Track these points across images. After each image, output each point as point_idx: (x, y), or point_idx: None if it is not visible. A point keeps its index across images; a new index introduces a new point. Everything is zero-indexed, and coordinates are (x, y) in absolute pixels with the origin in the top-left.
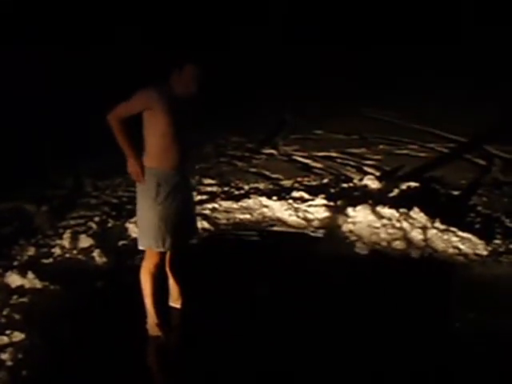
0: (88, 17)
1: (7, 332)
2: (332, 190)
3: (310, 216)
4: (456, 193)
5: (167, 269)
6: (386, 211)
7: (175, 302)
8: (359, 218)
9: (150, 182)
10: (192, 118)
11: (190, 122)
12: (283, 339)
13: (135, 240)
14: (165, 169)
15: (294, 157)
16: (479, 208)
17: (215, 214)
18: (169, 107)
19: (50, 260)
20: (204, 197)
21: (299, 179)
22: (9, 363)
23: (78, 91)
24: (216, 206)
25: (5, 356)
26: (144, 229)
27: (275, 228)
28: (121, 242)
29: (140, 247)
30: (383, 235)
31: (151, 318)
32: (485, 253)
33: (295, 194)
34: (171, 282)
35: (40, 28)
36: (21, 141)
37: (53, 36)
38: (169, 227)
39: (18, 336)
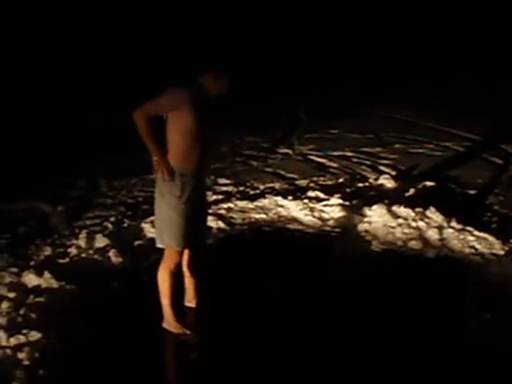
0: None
1: (24, 331)
2: (347, 190)
3: (325, 216)
4: (472, 192)
5: (184, 268)
6: (401, 210)
7: (191, 302)
8: (375, 217)
9: (174, 181)
10: (213, 118)
11: (212, 121)
12: (298, 338)
13: (151, 240)
14: (189, 168)
15: (310, 156)
16: (496, 207)
17: (231, 214)
18: (196, 108)
19: (67, 260)
20: (219, 197)
21: (314, 179)
22: (26, 362)
23: (94, 91)
24: (231, 205)
25: (22, 355)
26: (165, 227)
27: (291, 227)
28: (136, 242)
29: (159, 245)
30: (399, 235)
31: (170, 317)
32: (501, 252)
33: (311, 193)
34: (187, 281)
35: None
36: (37, 141)
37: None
38: (190, 226)
39: (35, 335)
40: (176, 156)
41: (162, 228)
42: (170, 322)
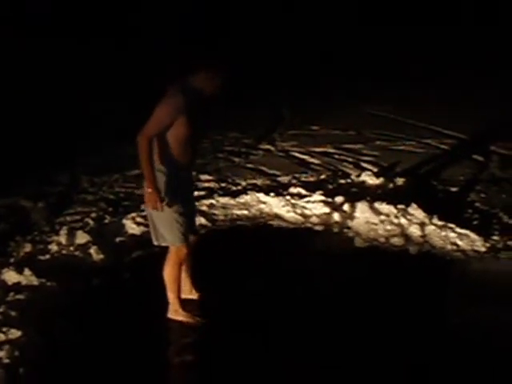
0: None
1: (4, 329)
2: (330, 186)
3: (307, 212)
4: (454, 189)
5: None
6: (383, 207)
7: (188, 294)
8: (357, 214)
9: (167, 180)
10: (208, 117)
11: (206, 120)
12: (282, 334)
13: (132, 236)
14: (180, 166)
15: (292, 153)
16: (477, 204)
17: (212, 210)
18: (192, 114)
19: (47, 256)
20: (201, 193)
21: (297, 175)
22: (5, 361)
23: (76, 86)
24: (213, 202)
25: (1, 353)
26: (166, 226)
27: (273, 224)
28: (118, 239)
29: (163, 244)
30: (381, 231)
31: (178, 310)
32: (483, 249)
33: (293, 190)
34: (183, 275)
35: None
36: (17, 136)
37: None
38: (186, 218)
39: (15, 333)
40: (172, 155)
41: (162, 227)
42: (180, 313)
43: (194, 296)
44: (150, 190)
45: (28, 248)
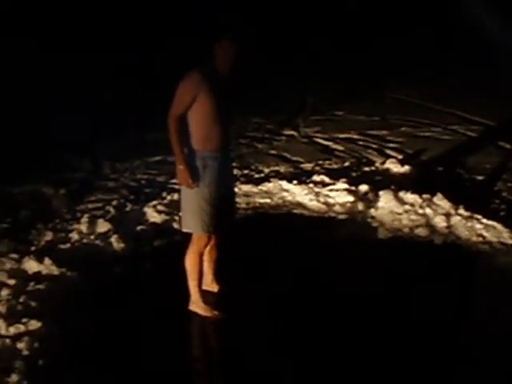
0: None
1: (24, 320)
2: (353, 174)
3: (330, 201)
4: (480, 178)
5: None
6: (408, 197)
7: (209, 286)
8: (381, 203)
9: (196, 165)
10: (231, 100)
11: (230, 103)
12: (307, 325)
13: (153, 225)
14: (210, 151)
15: (315, 139)
16: (504, 194)
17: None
18: (212, 88)
19: (68, 245)
20: None
21: (320, 162)
22: (25, 352)
23: (96, 73)
24: (236, 189)
25: (21, 345)
26: (191, 212)
27: (295, 212)
28: (139, 227)
29: (185, 230)
30: (406, 221)
31: (198, 300)
32: (510, 241)
33: (316, 177)
34: (206, 265)
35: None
36: (38, 123)
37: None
38: (215, 210)
39: (35, 324)
40: (197, 139)
41: (187, 213)
42: (198, 305)
43: (214, 289)
44: (181, 167)
45: (49, 236)
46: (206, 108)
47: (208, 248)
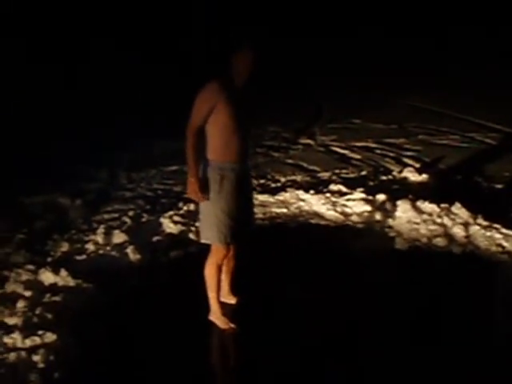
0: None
1: (39, 332)
2: (371, 183)
3: (348, 210)
4: (499, 186)
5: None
6: (426, 206)
7: (226, 298)
8: (399, 213)
9: (213, 175)
10: (252, 111)
11: (250, 114)
12: (325, 338)
13: (169, 235)
14: (228, 162)
15: (332, 147)
16: None
17: None
18: (230, 99)
19: (84, 256)
20: None
21: (337, 171)
22: (41, 365)
23: (113, 84)
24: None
25: (37, 358)
26: (209, 223)
27: (312, 222)
28: (155, 238)
29: (203, 241)
30: (423, 231)
31: (217, 311)
32: None
33: (333, 187)
34: (223, 277)
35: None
36: (55, 133)
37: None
38: (233, 221)
39: (50, 337)
40: (214, 149)
41: (205, 224)
42: (217, 316)
43: (231, 300)
44: (192, 180)
45: (65, 247)
46: (224, 118)
47: (226, 259)
